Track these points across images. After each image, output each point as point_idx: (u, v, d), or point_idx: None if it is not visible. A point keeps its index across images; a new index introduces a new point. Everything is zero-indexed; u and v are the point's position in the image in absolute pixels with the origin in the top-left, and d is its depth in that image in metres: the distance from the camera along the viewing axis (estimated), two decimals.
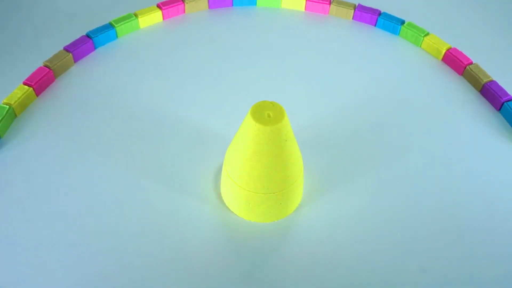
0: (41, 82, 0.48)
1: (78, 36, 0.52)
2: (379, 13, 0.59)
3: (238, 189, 0.37)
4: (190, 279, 0.35)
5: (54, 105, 0.47)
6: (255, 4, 0.62)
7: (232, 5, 0.61)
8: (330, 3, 0.60)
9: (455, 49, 0.55)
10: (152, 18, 0.57)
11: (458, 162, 0.44)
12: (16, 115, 0.45)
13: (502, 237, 0.39)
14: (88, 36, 0.53)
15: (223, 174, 0.38)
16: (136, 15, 0.56)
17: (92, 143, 0.44)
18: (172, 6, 0.58)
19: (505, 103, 0.49)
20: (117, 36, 0.55)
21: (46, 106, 0.47)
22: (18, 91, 0.46)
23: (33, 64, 0.49)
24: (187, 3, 0.58)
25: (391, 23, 0.59)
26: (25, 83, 0.47)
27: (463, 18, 0.64)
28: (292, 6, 0.61)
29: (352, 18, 0.61)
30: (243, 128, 0.35)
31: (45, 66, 0.49)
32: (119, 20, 0.55)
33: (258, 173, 0.35)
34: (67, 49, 0.51)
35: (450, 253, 0.38)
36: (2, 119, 0.43)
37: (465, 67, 0.53)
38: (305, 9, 0.61)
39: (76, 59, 0.52)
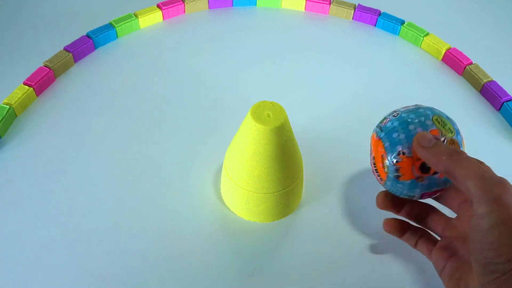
0: (41, 82, 0.48)
1: (78, 36, 0.52)
2: (379, 13, 0.59)
3: (238, 189, 0.37)
4: (190, 279, 0.35)
5: (54, 105, 0.47)
6: (255, 4, 0.62)
7: (232, 5, 0.61)
8: (330, 3, 0.60)
9: (455, 49, 0.55)
10: (152, 18, 0.57)
11: None
12: (16, 115, 0.46)
13: None
14: (88, 36, 0.53)
15: (223, 174, 0.39)
16: (136, 15, 0.56)
17: (92, 143, 0.44)
18: (172, 6, 0.58)
19: (504, 103, 0.49)
20: (117, 36, 0.55)
21: (46, 106, 0.47)
22: (19, 91, 0.46)
23: (33, 64, 0.49)
24: (187, 3, 0.59)
25: (391, 23, 0.59)
26: (25, 83, 0.47)
27: (463, 18, 0.64)
28: (292, 6, 0.61)
29: (352, 18, 0.61)
30: (243, 128, 0.35)
31: (45, 66, 0.49)
32: (119, 20, 0.55)
33: (258, 173, 0.35)
34: (67, 49, 0.51)
35: None
36: (2, 119, 0.43)
37: (465, 67, 0.53)
38: (305, 9, 0.61)
39: (76, 59, 0.52)
